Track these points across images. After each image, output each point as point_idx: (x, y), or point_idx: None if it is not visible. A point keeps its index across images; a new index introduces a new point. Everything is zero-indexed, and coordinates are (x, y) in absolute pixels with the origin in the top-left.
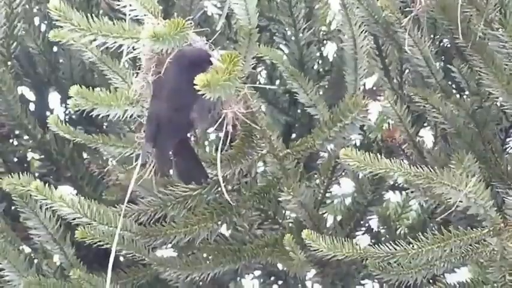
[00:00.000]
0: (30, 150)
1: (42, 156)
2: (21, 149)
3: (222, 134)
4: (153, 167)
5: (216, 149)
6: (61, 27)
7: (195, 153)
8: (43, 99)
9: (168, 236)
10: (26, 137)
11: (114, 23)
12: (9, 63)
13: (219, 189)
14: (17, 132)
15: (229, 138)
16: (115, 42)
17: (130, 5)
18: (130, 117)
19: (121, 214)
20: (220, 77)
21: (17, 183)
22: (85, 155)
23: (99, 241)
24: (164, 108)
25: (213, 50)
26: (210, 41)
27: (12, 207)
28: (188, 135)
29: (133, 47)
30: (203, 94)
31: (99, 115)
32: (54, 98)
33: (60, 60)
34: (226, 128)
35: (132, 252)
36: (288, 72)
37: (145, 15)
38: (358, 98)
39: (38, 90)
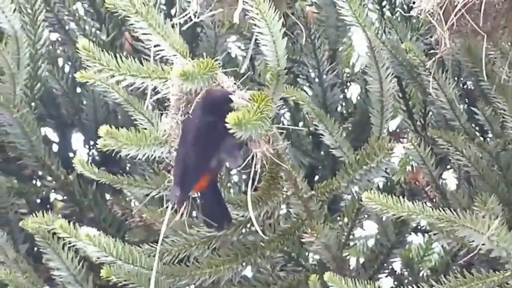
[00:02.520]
0: (53, 191)
1: (65, 197)
2: (44, 190)
3: (248, 174)
4: (180, 208)
5: (242, 190)
6: (86, 68)
7: (221, 196)
8: (66, 140)
9: (193, 276)
10: (49, 178)
11: (142, 64)
12: (32, 104)
13: (243, 230)
14: (40, 173)
15: (256, 178)
16: (143, 83)
17: (158, 45)
18: (158, 157)
19: (155, 254)
20: (251, 116)
21: (41, 222)
22: (108, 196)
23: (125, 280)
24: (189, 150)
25: (241, 90)
26: (238, 82)
27: (35, 248)
28: (215, 176)
29: (160, 88)
30: (228, 134)
31: (122, 156)
32: (77, 139)
33: (84, 102)
34: (255, 168)
35: None
36: (314, 113)
37: (174, 55)
38: (384, 141)
39: (61, 131)
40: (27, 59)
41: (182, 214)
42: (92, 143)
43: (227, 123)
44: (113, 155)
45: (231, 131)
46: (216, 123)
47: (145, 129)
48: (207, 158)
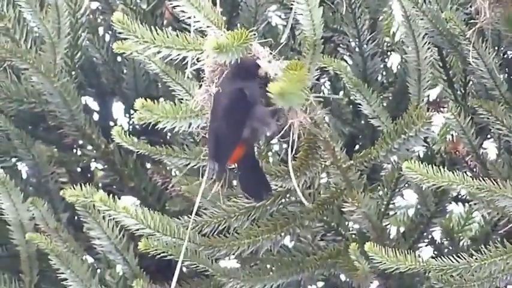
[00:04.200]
0: (93, 160)
1: (106, 167)
2: (85, 159)
3: (287, 144)
4: (215, 180)
5: (282, 160)
6: (125, 38)
7: (260, 167)
8: (107, 109)
9: (232, 247)
10: (89, 147)
11: (177, 35)
12: (73, 73)
13: (283, 200)
14: (80, 142)
15: (294, 148)
16: (179, 54)
17: (194, 17)
18: (197, 128)
19: (188, 226)
20: (293, 87)
21: (80, 194)
22: (148, 165)
23: (162, 252)
24: (220, 121)
25: (278, 60)
26: (275, 52)
27: (76, 217)
28: (251, 148)
29: (197, 59)
30: (257, 102)
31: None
32: (118, 108)
33: (124, 71)
34: (292, 137)
35: (195, 263)
36: (352, 83)
37: (208, 26)
38: (422, 110)
39: (101, 100)
40: (68, 28)
41: (220, 186)
42: (132, 112)
43: (267, 92)
44: (153, 124)
45: (270, 100)
46: (243, 92)
47: (182, 100)
48: (239, 128)
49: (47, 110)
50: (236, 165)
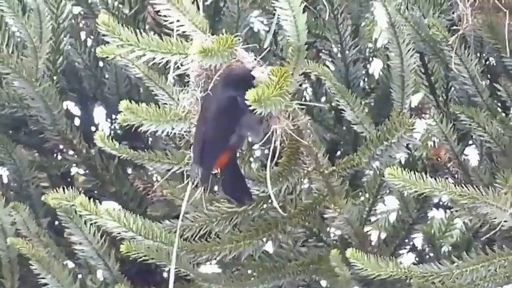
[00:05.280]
0: (74, 165)
1: (87, 172)
2: (66, 164)
3: (269, 150)
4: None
5: (264, 166)
6: (108, 42)
7: (241, 173)
8: (88, 114)
9: (213, 252)
10: (71, 152)
11: (162, 39)
12: (55, 78)
13: (265, 206)
14: (61, 147)
15: (276, 154)
16: (163, 58)
17: (178, 21)
18: (179, 133)
19: (172, 230)
20: (271, 92)
21: (62, 198)
22: (130, 171)
23: (144, 256)
24: (209, 126)
25: (262, 65)
26: (258, 57)
27: (57, 222)
28: (235, 154)
29: (181, 63)
30: (248, 110)
31: (144, 131)
32: (99, 113)
33: (106, 76)
34: (274, 144)
35: (177, 268)
36: (335, 88)
37: (193, 30)
38: (405, 116)
39: (83, 105)
40: (50, 33)
41: (204, 190)
42: (114, 117)
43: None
44: (135, 129)
45: (250, 107)
46: (235, 99)
47: (165, 104)
48: (227, 135)
49: (29, 114)
50: (219, 170)
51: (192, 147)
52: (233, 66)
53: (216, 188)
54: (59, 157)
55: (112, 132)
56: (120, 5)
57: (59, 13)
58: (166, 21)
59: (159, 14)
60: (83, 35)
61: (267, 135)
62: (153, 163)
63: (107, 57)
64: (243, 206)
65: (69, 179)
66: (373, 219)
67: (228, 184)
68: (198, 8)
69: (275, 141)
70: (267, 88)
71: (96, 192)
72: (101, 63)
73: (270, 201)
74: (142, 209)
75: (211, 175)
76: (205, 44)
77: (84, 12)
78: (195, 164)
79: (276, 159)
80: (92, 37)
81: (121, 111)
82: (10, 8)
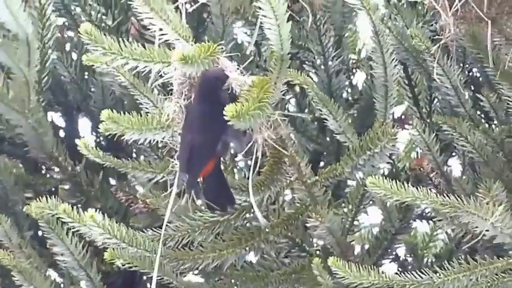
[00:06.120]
0: (60, 182)
1: (72, 188)
2: (51, 182)
3: (251, 161)
4: (184, 192)
5: (247, 176)
6: (92, 53)
7: (225, 180)
8: (73, 127)
9: (196, 260)
10: (56, 169)
11: (145, 47)
12: (41, 96)
13: (247, 215)
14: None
15: (258, 164)
16: (146, 67)
17: (161, 29)
18: (161, 141)
19: (156, 239)
20: (249, 107)
21: (45, 206)
22: (113, 182)
23: (128, 263)
24: (196, 134)
25: (244, 75)
26: (241, 67)
27: (40, 233)
28: (219, 160)
29: (164, 72)
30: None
31: (128, 143)
32: (84, 125)
33: (92, 89)
34: (256, 154)
35: (160, 276)
36: (318, 97)
37: (176, 39)
38: (388, 126)
39: (68, 117)
40: (38, 58)
41: (189, 198)
42: (99, 130)
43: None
44: (120, 142)
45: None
46: (221, 106)
47: (148, 113)
48: (214, 142)
49: (16, 133)
50: (201, 178)
51: (177, 156)
52: (207, 70)
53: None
54: (43, 171)
55: (97, 146)
56: (104, 16)
57: (44, 33)
58: (149, 29)
59: (143, 24)
60: (68, 47)
61: (249, 145)
62: (136, 171)
63: (93, 69)
64: (225, 213)
65: (54, 192)
66: (355, 229)
67: (212, 191)
68: (181, 17)
69: (257, 151)
70: (247, 102)
71: (80, 207)
72: (86, 76)
73: (252, 210)
74: (126, 222)
75: (197, 183)
76: (186, 52)
77: (69, 24)
78: (181, 172)
79: (258, 169)
80: (77, 50)
81: (103, 121)
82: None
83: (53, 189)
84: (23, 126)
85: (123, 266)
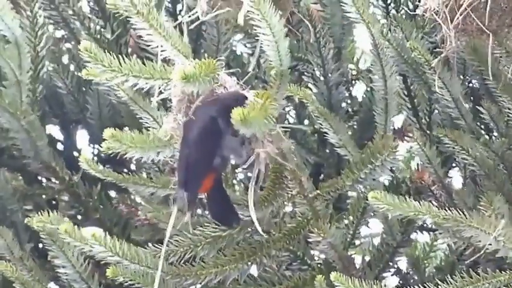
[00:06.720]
0: (58, 194)
1: (70, 198)
2: (49, 192)
3: (252, 174)
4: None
5: (247, 190)
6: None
7: (227, 196)
8: (71, 139)
9: (199, 276)
10: (54, 180)
11: (144, 64)
12: (35, 106)
13: (249, 230)
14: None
15: (261, 178)
16: (146, 83)
17: (160, 46)
18: (165, 157)
19: (156, 255)
20: (257, 114)
21: (46, 221)
22: (113, 194)
23: (130, 280)
24: (192, 150)
25: (244, 89)
26: (241, 81)
27: (41, 246)
28: (219, 176)
29: (164, 88)
30: (228, 131)
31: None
32: (82, 137)
33: (89, 101)
34: (258, 168)
35: None
36: (318, 112)
37: (176, 55)
38: (389, 139)
39: (65, 130)
40: (29, 64)
41: (191, 215)
42: (96, 142)
43: (230, 118)
44: (118, 155)
45: (235, 127)
46: (216, 120)
47: (148, 128)
48: (210, 156)
49: (11, 143)
50: (206, 194)
51: (176, 172)
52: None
53: (200, 211)
54: (43, 182)
55: (95, 157)
56: (102, 29)
57: (37, 42)
58: (148, 45)
59: (141, 37)
60: (65, 59)
61: (250, 160)
62: (137, 186)
63: (90, 81)
64: (231, 229)
65: (53, 203)
66: (357, 242)
67: (216, 208)
68: (182, 34)
69: (259, 165)
70: (253, 109)
71: (79, 217)
72: (83, 88)
73: (253, 226)
74: (126, 234)
75: (198, 199)
76: (188, 70)
77: (67, 36)
78: (181, 188)
79: (260, 183)
80: (74, 62)
81: (105, 139)
82: None
83: (53, 201)
84: (15, 129)
85: (125, 283)
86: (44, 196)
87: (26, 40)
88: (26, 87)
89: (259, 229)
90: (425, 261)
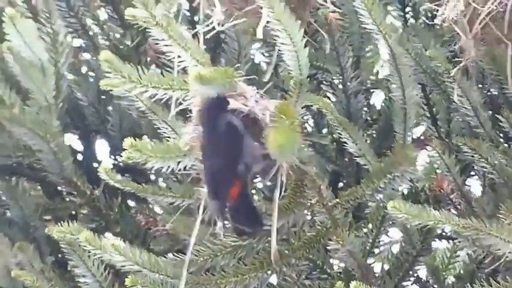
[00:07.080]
0: (79, 207)
1: (91, 212)
2: (71, 206)
3: (276, 185)
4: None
5: (266, 198)
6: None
7: (253, 203)
8: (91, 149)
9: (219, 285)
10: (75, 193)
11: (163, 74)
12: (58, 121)
13: (269, 238)
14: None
15: (283, 188)
16: (165, 94)
17: (179, 56)
18: (184, 168)
19: (176, 264)
20: (289, 139)
21: (66, 231)
22: (132, 204)
23: None
24: (211, 159)
25: (264, 98)
26: (262, 91)
27: (60, 255)
28: (244, 183)
29: (183, 98)
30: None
31: (146, 167)
32: (102, 147)
33: (110, 112)
34: (281, 178)
35: None
36: (337, 121)
37: (195, 65)
38: (409, 149)
39: (86, 141)
40: (53, 84)
41: (215, 224)
42: (116, 152)
43: (261, 143)
44: (138, 165)
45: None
46: (234, 125)
47: (168, 138)
48: (233, 164)
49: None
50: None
51: (204, 183)
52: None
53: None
54: (63, 192)
55: (115, 168)
56: (122, 37)
57: (58, 58)
58: (167, 56)
59: (159, 47)
60: (84, 69)
61: (273, 170)
62: (156, 196)
63: (109, 92)
64: (256, 236)
65: (74, 216)
66: (376, 251)
67: (242, 215)
68: (199, 42)
69: (281, 175)
70: (283, 132)
71: (100, 232)
72: (102, 97)
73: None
74: (145, 246)
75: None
76: (203, 72)
77: (86, 45)
78: (212, 200)
79: (282, 193)
80: (94, 73)
81: (125, 149)
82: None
83: (73, 213)
84: (45, 151)
85: None
86: (65, 211)
87: (51, 60)
88: (55, 110)
89: (274, 242)
90: (445, 272)
